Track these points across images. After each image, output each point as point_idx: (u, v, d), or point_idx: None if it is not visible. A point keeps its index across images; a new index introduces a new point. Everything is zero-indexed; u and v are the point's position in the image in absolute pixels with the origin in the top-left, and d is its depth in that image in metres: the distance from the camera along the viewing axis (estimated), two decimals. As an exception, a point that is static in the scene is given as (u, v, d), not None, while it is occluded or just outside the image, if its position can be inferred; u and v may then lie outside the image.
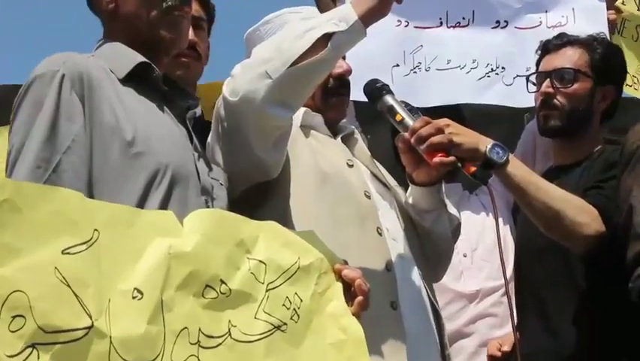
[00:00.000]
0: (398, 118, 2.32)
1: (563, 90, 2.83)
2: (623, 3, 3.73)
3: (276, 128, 2.17)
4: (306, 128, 2.44)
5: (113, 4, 2.08)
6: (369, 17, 2.12)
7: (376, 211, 2.35)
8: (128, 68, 1.99)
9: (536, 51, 3.02)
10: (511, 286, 2.79)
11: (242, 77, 2.13)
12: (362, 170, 2.46)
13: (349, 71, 2.53)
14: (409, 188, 2.46)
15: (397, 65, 3.51)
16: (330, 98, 2.51)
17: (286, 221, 2.16)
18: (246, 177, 2.22)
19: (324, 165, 2.35)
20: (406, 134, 2.27)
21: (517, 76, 3.54)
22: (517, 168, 2.43)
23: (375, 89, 2.40)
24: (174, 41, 2.10)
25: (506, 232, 3.19)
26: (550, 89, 2.84)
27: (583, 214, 2.46)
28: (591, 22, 3.47)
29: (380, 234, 2.30)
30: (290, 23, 2.33)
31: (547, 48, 2.95)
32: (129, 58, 2.01)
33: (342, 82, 2.52)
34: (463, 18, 3.58)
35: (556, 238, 2.51)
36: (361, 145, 2.58)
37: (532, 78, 3.00)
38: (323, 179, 2.31)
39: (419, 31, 3.55)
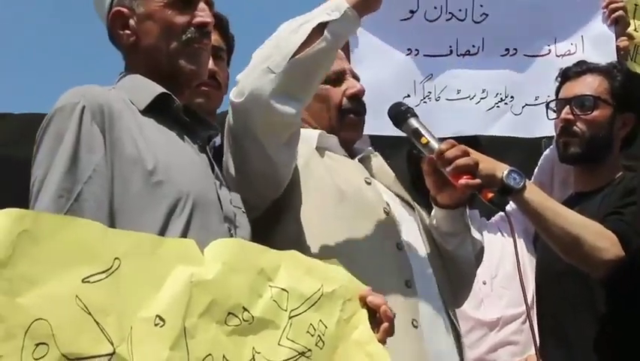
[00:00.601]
0: (423, 141, 2.32)
1: (583, 117, 2.84)
2: (635, 30, 3.73)
3: (285, 125, 2.16)
4: (321, 149, 2.44)
5: (134, 37, 2.09)
6: (361, 8, 2.15)
7: (396, 226, 2.34)
8: (149, 100, 2.00)
9: (555, 78, 3.03)
10: (533, 312, 2.78)
11: (245, 78, 2.14)
12: (380, 188, 2.45)
13: (363, 91, 2.55)
14: (433, 211, 2.45)
15: (408, 96, 3.51)
16: (346, 117, 2.52)
17: (302, 241, 2.17)
18: (258, 192, 2.20)
19: (340, 182, 2.35)
20: (432, 156, 2.28)
21: (526, 105, 3.55)
22: (534, 193, 2.43)
23: (400, 112, 2.41)
24: (194, 73, 2.10)
25: (525, 258, 3.18)
26: (571, 116, 2.85)
27: (602, 239, 2.45)
28: (600, 50, 3.47)
29: (400, 249, 2.29)
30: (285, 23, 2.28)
31: (566, 75, 2.97)
32: (149, 89, 2.02)
33: (356, 101, 2.53)
34: (473, 46, 3.59)
35: (575, 262, 2.50)
36: (381, 165, 2.57)
37: (552, 105, 3.00)
38: (340, 197, 2.31)
39: (429, 60, 3.56)
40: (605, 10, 3.48)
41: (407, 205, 2.47)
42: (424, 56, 3.55)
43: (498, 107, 3.57)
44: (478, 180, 2.24)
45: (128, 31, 2.09)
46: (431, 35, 3.54)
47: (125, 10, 2.09)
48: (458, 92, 3.58)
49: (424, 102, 3.55)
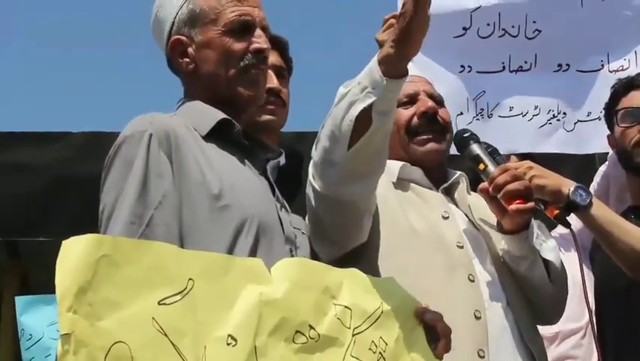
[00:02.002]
0: (481, 167, 2.34)
1: None
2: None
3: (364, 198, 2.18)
4: (404, 181, 2.42)
5: (193, 65, 2.12)
6: (396, 70, 1.97)
7: (470, 260, 2.30)
8: (210, 125, 2.04)
9: (616, 89, 2.97)
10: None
11: (315, 171, 2.15)
12: (459, 219, 2.40)
13: (432, 108, 2.46)
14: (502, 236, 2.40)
15: (461, 113, 3.54)
16: (413, 138, 2.46)
17: (374, 272, 2.14)
18: (341, 243, 2.23)
19: (413, 220, 2.33)
20: (486, 183, 2.29)
21: (579, 121, 3.55)
22: (600, 209, 2.44)
23: (463, 139, 2.44)
24: (252, 98, 2.14)
25: (584, 273, 3.17)
26: None
27: None
28: None
29: (472, 280, 2.26)
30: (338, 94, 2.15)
31: (632, 85, 2.91)
32: (211, 115, 2.07)
33: (425, 119, 2.46)
34: (526, 62, 3.61)
35: None
36: (463, 192, 2.49)
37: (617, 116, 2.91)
38: (412, 234, 2.30)
39: (481, 77, 3.58)
40: None
41: (479, 232, 2.40)
42: (477, 72, 3.58)
43: (550, 123, 3.57)
44: (529, 205, 2.23)
45: (187, 59, 2.13)
46: (484, 52, 3.56)
47: (183, 38, 2.12)
48: (510, 109, 3.59)
49: (477, 119, 3.57)
